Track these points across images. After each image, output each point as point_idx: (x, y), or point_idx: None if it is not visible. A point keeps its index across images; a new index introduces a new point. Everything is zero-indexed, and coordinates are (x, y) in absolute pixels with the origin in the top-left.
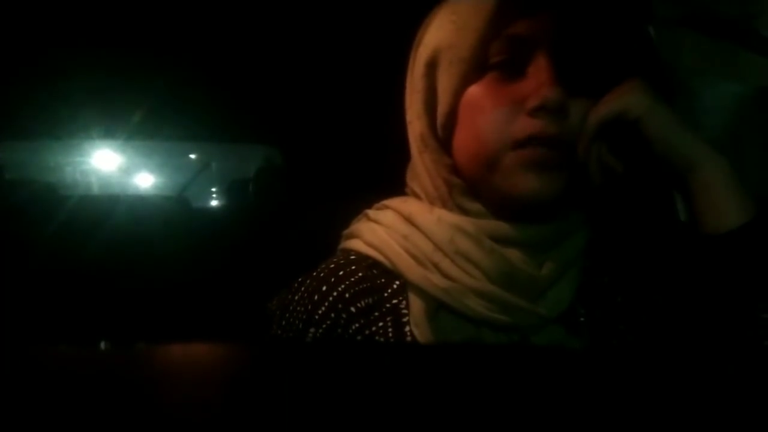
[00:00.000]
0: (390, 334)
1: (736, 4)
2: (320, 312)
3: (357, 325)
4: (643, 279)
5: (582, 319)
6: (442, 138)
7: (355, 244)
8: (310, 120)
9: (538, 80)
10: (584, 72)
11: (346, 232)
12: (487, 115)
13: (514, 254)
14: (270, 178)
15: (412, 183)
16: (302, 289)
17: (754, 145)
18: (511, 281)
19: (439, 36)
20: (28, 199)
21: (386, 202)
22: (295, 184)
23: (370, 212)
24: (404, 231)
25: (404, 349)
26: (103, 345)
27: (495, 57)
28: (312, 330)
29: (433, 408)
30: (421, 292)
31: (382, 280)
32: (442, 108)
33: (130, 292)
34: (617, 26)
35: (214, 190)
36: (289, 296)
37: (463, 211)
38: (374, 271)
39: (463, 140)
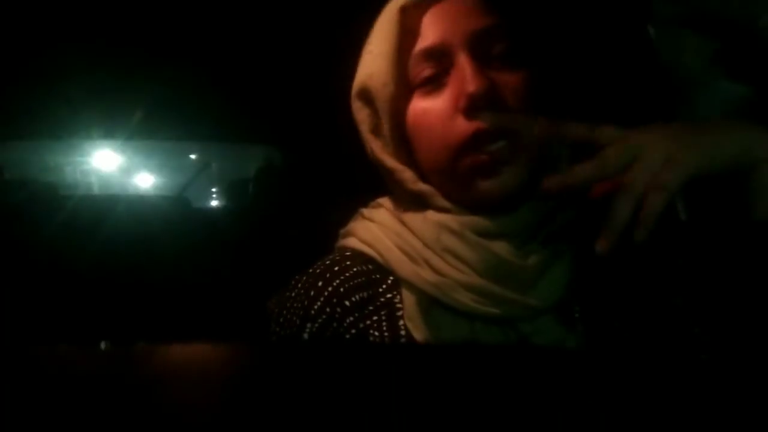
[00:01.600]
0: (384, 328)
1: (736, 4)
2: (316, 307)
3: (351, 318)
4: (639, 277)
5: (577, 315)
6: (398, 155)
7: (351, 242)
8: (310, 120)
9: (461, 81)
10: (513, 53)
11: (342, 230)
12: (429, 130)
13: (499, 246)
14: (270, 178)
15: None
16: (299, 286)
17: None
18: (500, 273)
19: (362, 69)
20: (28, 199)
21: (380, 200)
22: (295, 184)
23: (365, 210)
24: (396, 228)
25: (403, 349)
26: (103, 345)
27: (419, 72)
28: (308, 325)
29: (430, 408)
30: (414, 288)
31: (377, 276)
32: (385, 132)
33: (130, 292)
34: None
35: (214, 190)
36: (287, 294)
37: (445, 210)
38: (369, 267)
39: (420, 154)
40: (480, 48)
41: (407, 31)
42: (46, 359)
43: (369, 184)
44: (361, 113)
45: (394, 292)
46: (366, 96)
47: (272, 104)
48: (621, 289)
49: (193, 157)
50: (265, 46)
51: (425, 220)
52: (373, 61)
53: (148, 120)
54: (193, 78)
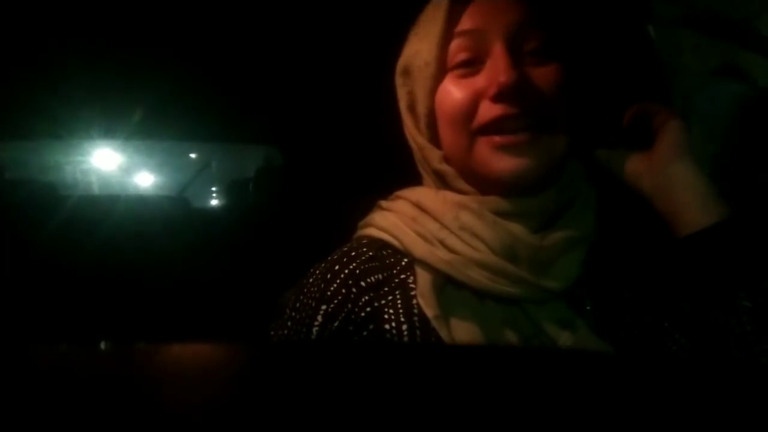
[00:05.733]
0: (399, 306)
1: (736, 4)
2: (332, 289)
3: (366, 298)
4: (650, 279)
5: (588, 308)
6: (429, 134)
7: (368, 231)
8: (310, 120)
9: (494, 69)
10: (547, 48)
11: (361, 222)
12: (454, 108)
13: (516, 227)
14: (270, 178)
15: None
16: (317, 272)
17: (753, 146)
18: (515, 253)
19: (408, 48)
20: (28, 198)
21: (398, 192)
22: (295, 184)
23: (383, 202)
24: (413, 215)
25: (407, 349)
26: (103, 345)
27: (456, 55)
28: (323, 307)
29: (435, 409)
30: (428, 267)
31: (392, 259)
32: (420, 109)
33: (130, 291)
34: None
35: (214, 190)
36: (304, 280)
37: (464, 192)
38: (384, 252)
39: (442, 134)
40: (516, 41)
41: (453, 16)
42: (46, 359)
43: (368, 183)
44: (401, 90)
45: (408, 273)
46: (407, 74)
47: (272, 104)
48: (633, 289)
49: (193, 157)
50: (265, 47)
51: (444, 202)
52: (419, 42)
53: (148, 120)
54: (193, 78)
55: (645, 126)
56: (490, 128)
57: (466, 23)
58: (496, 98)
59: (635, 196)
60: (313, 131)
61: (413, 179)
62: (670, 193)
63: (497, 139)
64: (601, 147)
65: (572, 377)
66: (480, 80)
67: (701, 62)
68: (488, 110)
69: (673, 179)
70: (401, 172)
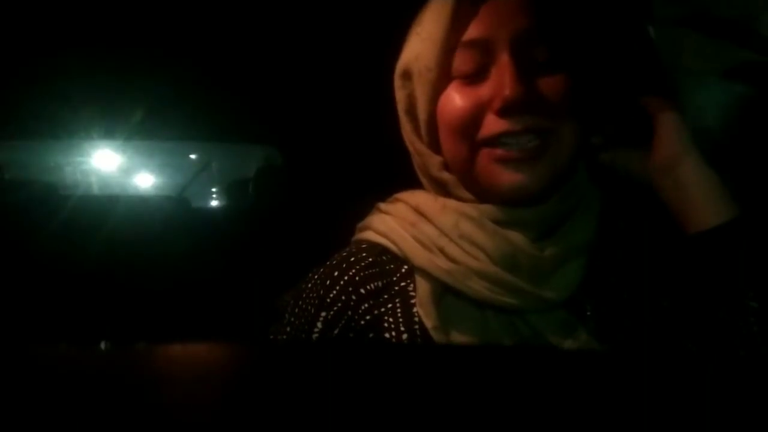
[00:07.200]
0: (399, 315)
1: (736, 4)
2: (332, 295)
3: (366, 305)
4: (650, 280)
5: (588, 313)
6: (428, 140)
7: (367, 235)
8: (310, 120)
9: (499, 81)
10: (554, 56)
11: (359, 225)
12: (457, 118)
13: (516, 236)
14: (270, 178)
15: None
16: (315, 277)
17: (753, 146)
18: (515, 263)
19: (408, 49)
20: (28, 199)
21: (397, 195)
22: (295, 184)
23: (382, 205)
24: (412, 219)
25: (404, 350)
26: (103, 345)
27: (461, 63)
28: (323, 314)
29: (434, 410)
30: (427, 275)
31: (392, 266)
32: (421, 115)
33: (130, 292)
34: (584, 5)
35: (214, 190)
36: (303, 285)
37: (464, 200)
38: (384, 258)
39: (443, 141)
40: (523, 49)
41: (458, 20)
42: (46, 359)
43: (368, 183)
44: (400, 92)
45: (408, 281)
46: (407, 76)
47: (272, 104)
48: (634, 291)
49: (193, 157)
50: (265, 46)
51: (444, 208)
52: (421, 44)
53: (148, 120)
54: (192, 78)
55: (642, 119)
56: (492, 141)
57: (472, 31)
58: (501, 112)
59: (638, 196)
60: (313, 131)
61: (413, 180)
62: (678, 191)
63: (500, 152)
64: (602, 145)
65: (571, 377)
66: (485, 90)
67: (701, 62)
68: (492, 124)
69: (681, 177)
70: (401, 173)
